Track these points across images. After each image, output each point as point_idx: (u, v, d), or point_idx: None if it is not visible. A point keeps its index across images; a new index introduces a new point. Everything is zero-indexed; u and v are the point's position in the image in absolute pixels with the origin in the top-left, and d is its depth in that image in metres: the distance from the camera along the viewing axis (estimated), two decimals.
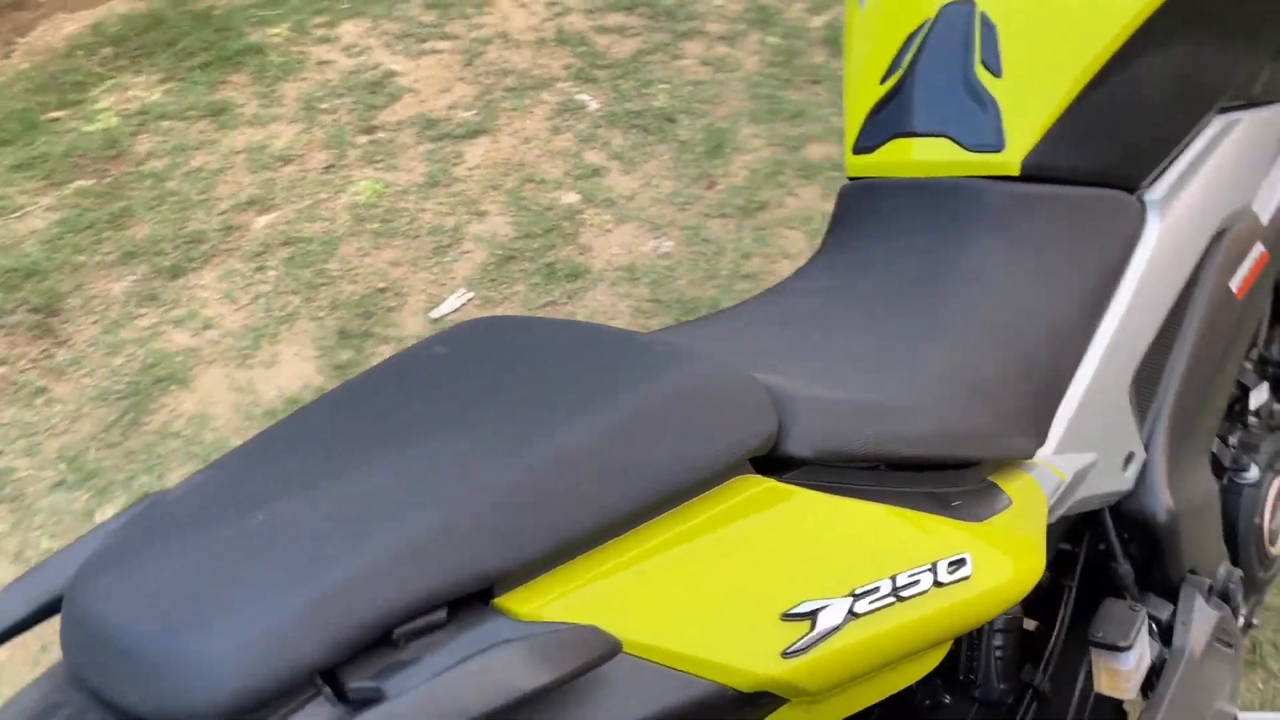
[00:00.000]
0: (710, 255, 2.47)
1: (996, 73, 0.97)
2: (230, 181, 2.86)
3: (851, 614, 0.63)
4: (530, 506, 0.59)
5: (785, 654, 0.61)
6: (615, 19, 3.42)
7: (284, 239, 2.66)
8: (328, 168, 2.90)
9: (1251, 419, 1.25)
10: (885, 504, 0.69)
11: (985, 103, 0.97)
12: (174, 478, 2.08)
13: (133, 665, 0.54)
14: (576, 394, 0.64)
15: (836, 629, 0.62)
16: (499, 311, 2.41)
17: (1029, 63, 0.96)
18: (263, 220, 2.74)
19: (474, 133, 2.97)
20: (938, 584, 0.67)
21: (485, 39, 3.38)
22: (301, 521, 0.58)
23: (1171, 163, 1.03)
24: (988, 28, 0.98)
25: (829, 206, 2.61)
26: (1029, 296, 0.92)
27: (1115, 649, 0.95)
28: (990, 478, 0.82)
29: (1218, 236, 1.08)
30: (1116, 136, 0.98)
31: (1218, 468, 1.18)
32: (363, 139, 2.99)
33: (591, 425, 0.62)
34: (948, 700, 1.03)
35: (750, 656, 0.60)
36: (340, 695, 0.54)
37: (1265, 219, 1.13)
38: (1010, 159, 0.96)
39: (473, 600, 0.57)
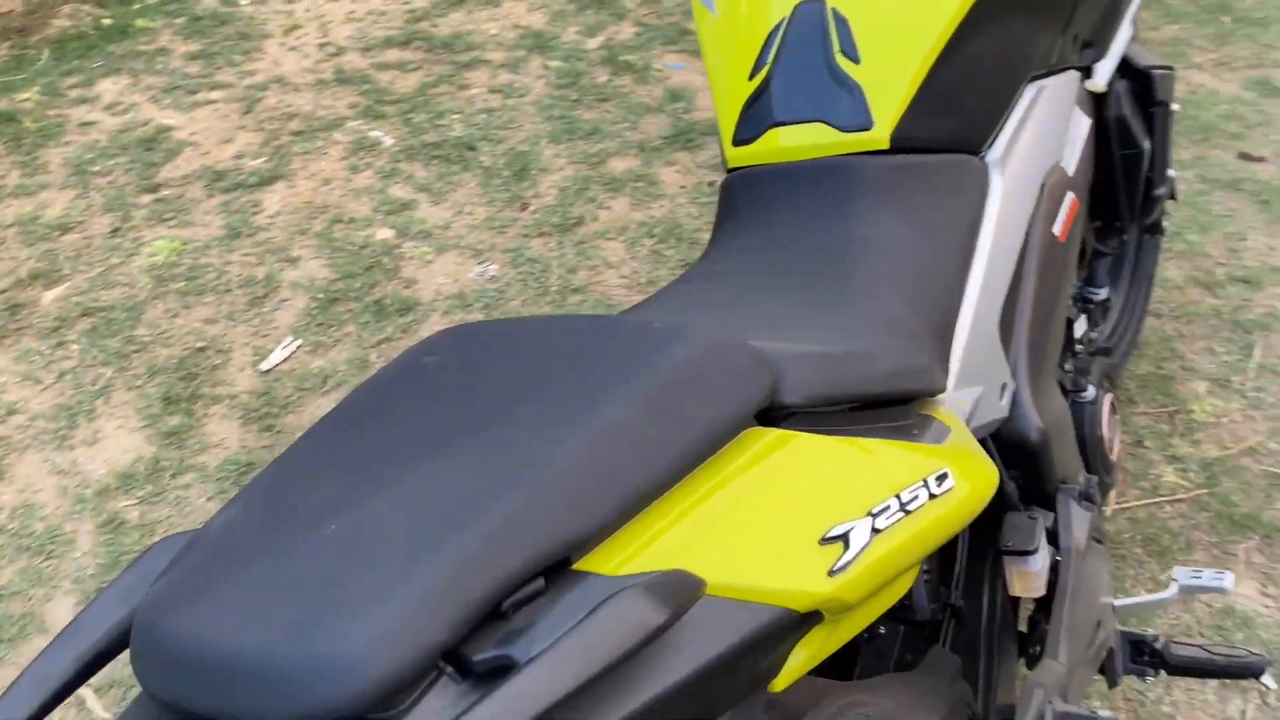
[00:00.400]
0: (537, 274, 2.52)
1: (856, 60, 1.09)
2: (5, 258, 2.66)
3: (874, 530, 0.71)
4: (590, 478, 0.63)
5: (830, 573, 0.68)
6: (393, 54, 3.42)
7: (81, 310, 2.50)
8: (113, 231, 2.74)
9: (1078, 346, 1.45)
10: (871, 438, 0.78)
11: (850, 88, 1.09)
12: (9, 573, 1.92)
13: (260, 679, 0.54)
14: (602, 377, 0.69)
15: (866, 546, 0.70)
16: (332, 354, 2.36)
17: (882, 49, 1.09)
18: (51, 294, 2.56)
19: (268, 180, 2.89)
20: (932, 496, 0.76)
21: (260, 85, 3.29)
22: (385, 522, 0.60)
23: (1001, 127, 1.18)
24: (840, 21, 1.10)
25: (640, 216, 2.72)
26: (916, 253, 1.04)
27: (1024, 554, 1.08)
28: (922, 411, 0.92)
29: (1040, 189, 1.24)
30: (960, 108, 1.12)
31: (1063, 391, 1.35)
32: (147, 198, 2.85)
33: (625, 402, 0.67)
34: (882, 630, 1.13)
35: (804, 579, 0.67)
36: (463, 672, 0.57)
37: (1070, 171, 1.31)
38: (879, 135, 1.08)
39: (556, 568, 0.61)
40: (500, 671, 0.56)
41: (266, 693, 0.55)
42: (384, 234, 2.69)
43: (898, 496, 0.73)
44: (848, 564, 0.68)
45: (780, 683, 0.74)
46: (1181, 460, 1.94)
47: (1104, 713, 0.98)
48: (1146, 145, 1.52)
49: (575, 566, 0.62)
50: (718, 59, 1.20)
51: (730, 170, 1.19)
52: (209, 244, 2.68)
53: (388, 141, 3.02)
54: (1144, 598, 1.32)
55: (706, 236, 2.62)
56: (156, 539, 1.65)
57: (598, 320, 0.79)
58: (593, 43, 3.42)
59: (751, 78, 1.14)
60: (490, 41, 3.45)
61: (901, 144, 1.08)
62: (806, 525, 0.69)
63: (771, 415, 0.75)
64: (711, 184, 2.75)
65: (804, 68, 1.12)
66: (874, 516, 0.71)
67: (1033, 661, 1.21)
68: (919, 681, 0.98)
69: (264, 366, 2.35)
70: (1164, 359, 2.12)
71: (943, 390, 0.98)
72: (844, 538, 0.69)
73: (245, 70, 3.37)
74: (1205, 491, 1.87)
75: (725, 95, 1.18)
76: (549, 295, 2.45)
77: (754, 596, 0.65)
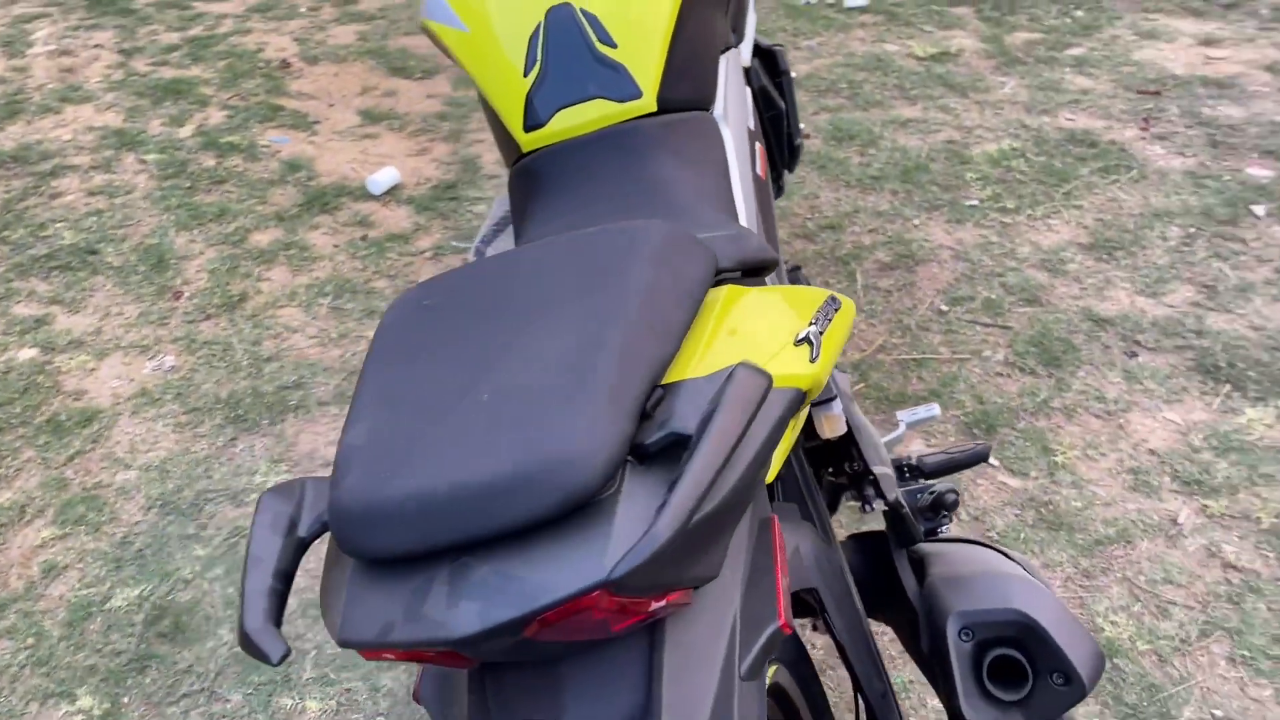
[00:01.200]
0: (220, 353, 2.47)
1: (613, 45, 1.32)
2: None
3: (819, 333, 0.94)
4: (655, 325, 0.80)
5: (810, 361, 0.90)
6: None
7: None
8: None
9: None
10: (781, 285, 1.01)
11: (615, 67, 1.31)
12: None
13: (500, 492, 0.66)
14: (611, 272, 0.85)
15: (819, 343, 0.93)
16: (19, 483, 2.15)
17: (631, 35, 1.33)
18: None
19: None
20: (835, 311, 1.00)
21: None
22: (528, 374, 0.74)
23: (714, 91, 1.47)
24: (590, 17, 1.32)
25: (304, 280, 2.75)
26: (701, 181, 1.29)
27: (828, 401, 1.37)
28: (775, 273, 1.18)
29: (747, 138, 1.56)
30: (694, 75, 1.39)
31: None
32: None
33: (656, 280, 0.84)
34: None
35: (801, 366, 0.88)
36: (640, 457, 0.72)
37: (752, 126, 1.64)
38: (648, 101, 1.32)
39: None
40: (673, 448, 0.72)
41: (511, 502, 0.66)
42: (26, 354, 2.47)
43: (821, 310, 0.97)
44: (816, 355, 0.91)
45: (771, 474, 0.95)
46: (838, 367, 2.39)
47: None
48: (783, 106, 1.92)
49: (662, 383, 0.79)
50: (483, 65, 1.37)
51: (524, 155, 1.36)
52: None
53: None
54: (888, 436, 1.67)
55: (381, 285, 2.70)
56: None
57: (573, 237, 0.94)
58: (184, 131, 3.34)
59: (527, 74, 1.32)
60: (68, 147, 3.25)
61: (664, 106, 1.33)
62: (782, 335, 0.90)
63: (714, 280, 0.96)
64: (364, 238, 2.84)
65: (572, 58, 1.32)
66: (813, 325, 0.94)
67: (840, 494, 1.50)
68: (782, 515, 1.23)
69: None
70: None
71: (778, 261, 1.24)
72: (807, 339, 0.91)
73: None
74: (863, 385, 2.33)
75: (504, 92, 1.34)
76: (241, 370, 2.41)
77: (781, 381, 0.85)
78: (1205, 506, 1.93)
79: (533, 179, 1.34)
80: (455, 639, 0.66)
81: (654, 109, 1.32)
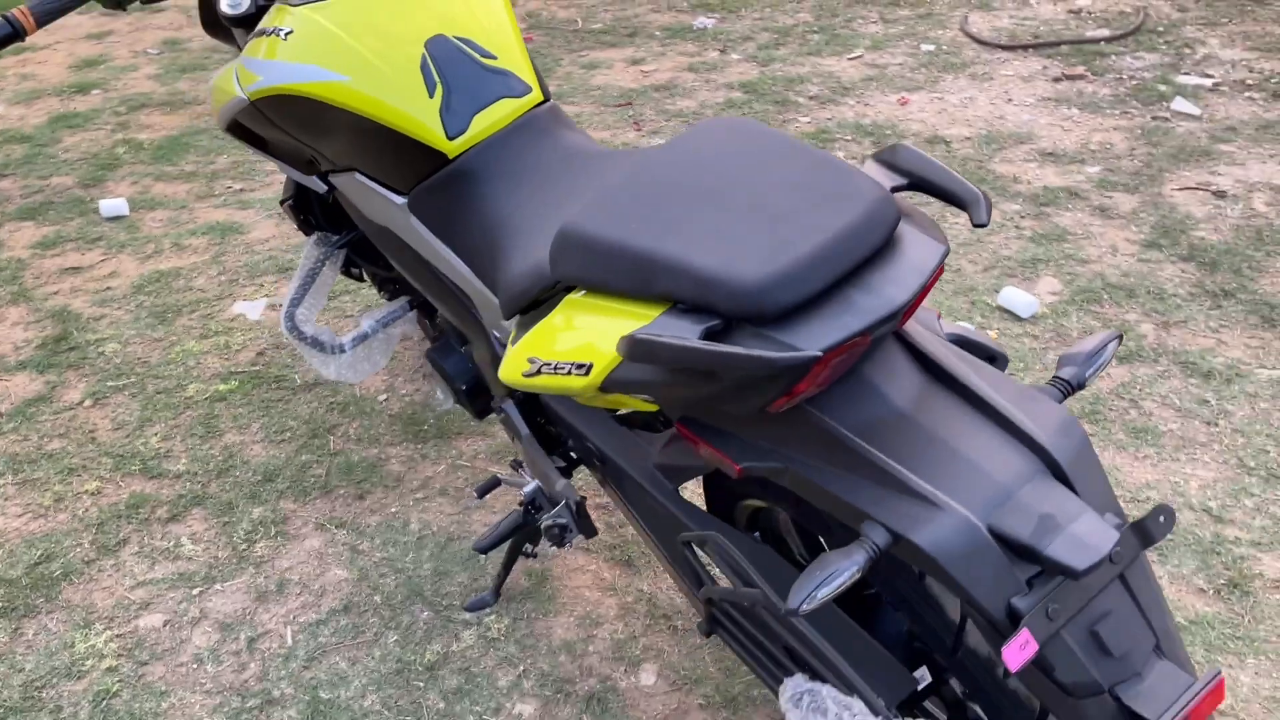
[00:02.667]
0: None
1: (493, 57, 1.58)
2: None
3: None
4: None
5: None
6: None
7: None
8: None
9: None
10: None
11: (503, 73, 1.58)
12: None
13: (859, 236, 1.00)
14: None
15: None
16: None
17: (501, 46, 1.59)
18: None
19: None
20: None
21: None
22: (791, 181, 1.06)
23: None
24: (463, 40, 1.57)
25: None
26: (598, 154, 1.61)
27: None
28: None
29: None
30: (539, 69, 1.69)
31: None
32: None
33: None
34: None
35: None
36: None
37: None
38: (537, 94, 1.61)
39: None
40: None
41: (868, 236, 0.98)
42: None
43: None
44: None
45: None
46: None
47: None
48: None
49: None
50: (378, 100, 1.49)
51: (452, 159, 1.55)
52: None
53: None
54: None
55: None
56: None
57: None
58: None
59: (431, 95, 1.52)
60: None
61: (545, 97, 1.63)
62: None
63: None
64: None
65: (468, 73, 1.55)
66: None
67: None
68: None
69: None
70: None
71: None
72: None
73: None
74: None
75: (412, 115, 1.50)
76: None
77: None
78: None
79: (469, 174, 1.54)
80: (898, 305, 0.96)
81: (541, 99, 1.63)
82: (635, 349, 0.99)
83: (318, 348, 2.03)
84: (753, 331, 0.97)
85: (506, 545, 1.81)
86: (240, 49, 1.98)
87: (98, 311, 3.01)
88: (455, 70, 1.55)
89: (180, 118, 4.38)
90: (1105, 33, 4.31)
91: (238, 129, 1.82)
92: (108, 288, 3.14)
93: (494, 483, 1.89)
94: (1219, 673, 0.99)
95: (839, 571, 0.92)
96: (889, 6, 4.92)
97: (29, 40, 1.42)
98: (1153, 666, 0.98)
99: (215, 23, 2.01)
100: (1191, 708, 0.94)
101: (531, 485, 1.74)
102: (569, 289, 1.20)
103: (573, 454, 1.69)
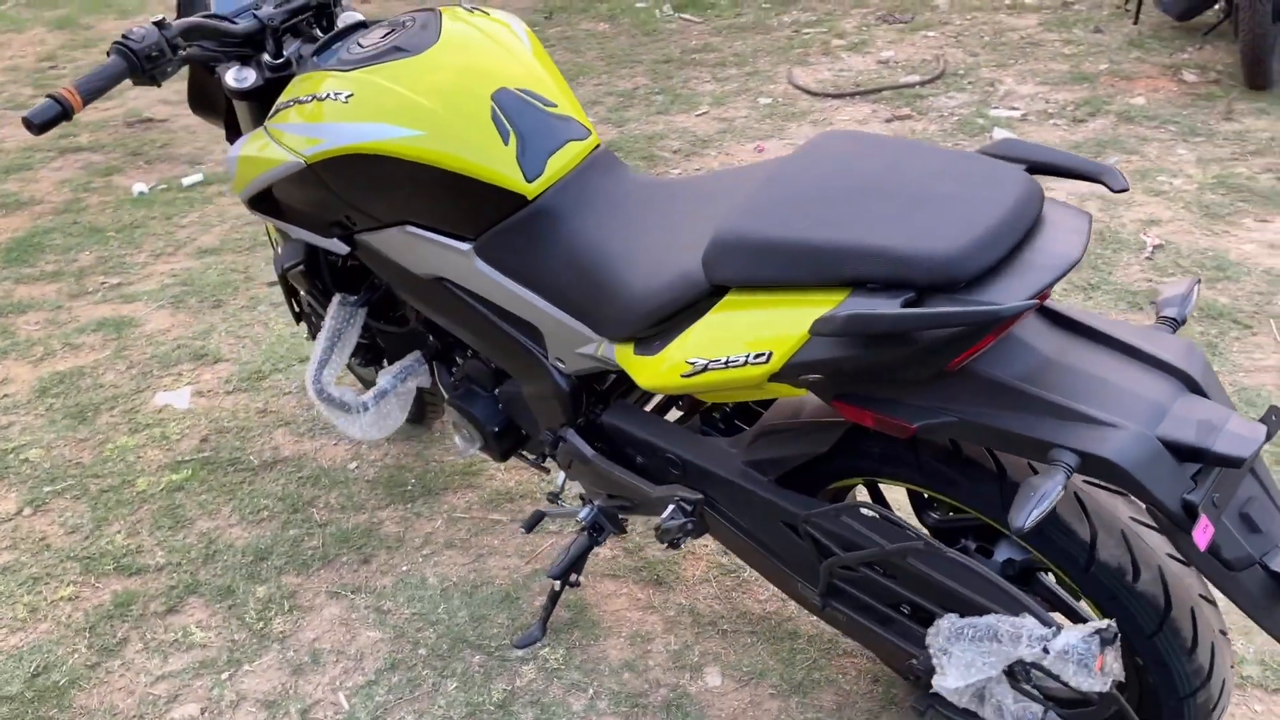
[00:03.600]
0: None
1: (554, 105, 1.68)
2: None
3: None
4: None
5: None
6: None
7: None
8: None
9: None
10: None
11: (566, 119, 1.67)
12: None
13: (1021, 216, 1.20)
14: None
15: None
16: None
17: (557, 95, 1.68)
18: None
19: None
20: None
21: None
22: (931, 188, 1.26)
23: None
24: (525, 92, 1.66)
25: None
26: (667, 184, 1.74)
27: None
28: None
29: None
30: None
31: None
32: None
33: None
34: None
35: None
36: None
37: None
38: (594, 138, 1.72)
39: None
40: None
41: (1026, 215, 1.19)
42: None
43: None
44: None
45: None
46: None
47: None
48: None
49: None
50: (454, 152, 1.57)
51: (531, 200, 1.61)
52: None
53: None
54: None
55: None
56: None
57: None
58: None
59: (507, 143, 1.60)
60: None
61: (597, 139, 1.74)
62: None
63: None
64: None
65: (537, 121, 1.62)
66: None
67: None
68: None
69: None
70: None
71: None
72: None
73: None
74: None
75: (490, 162, 1.56)
76: None
77: None
78: None
79: (550, 212, 1.63)
80: (1074, 259, 1.15)
81: (598, 143, 1.75)
82: (851, 324, 1.14)
83: (343, 409, 2.04)
84: (948, 298, 1.14)
85: (554, 580, 1.87)
86: (232, 125, 1.99)
87: (3, 420, 2.83)
88: (525, 118, 1.64)
89: (20, 218, 4.16)
90: (916, 78, 4.82)
91: (261, 199, 1.84)
92: (5, 395, 2.95)
93: (539, 516, 1.95)
94: None
95: (1049, 491, 1.09)
96: (717, 67, 5.30)
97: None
98: None
99: (204, 104, 2.02)
100: None
101: (586, 510, 1.83)
102: (717, 294, 1.33)
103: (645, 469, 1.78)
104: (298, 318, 2.43)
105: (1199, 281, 1.39)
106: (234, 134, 2.01)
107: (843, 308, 1.18)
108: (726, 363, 1.30)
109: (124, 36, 1.59)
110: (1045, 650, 1.23)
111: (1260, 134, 3.96)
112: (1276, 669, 1.82)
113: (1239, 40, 4.25)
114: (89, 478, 2.58)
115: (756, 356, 1.27)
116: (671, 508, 1.61)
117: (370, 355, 2.24)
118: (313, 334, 2.51)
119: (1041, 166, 1.31)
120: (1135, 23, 5.21)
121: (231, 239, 3.87)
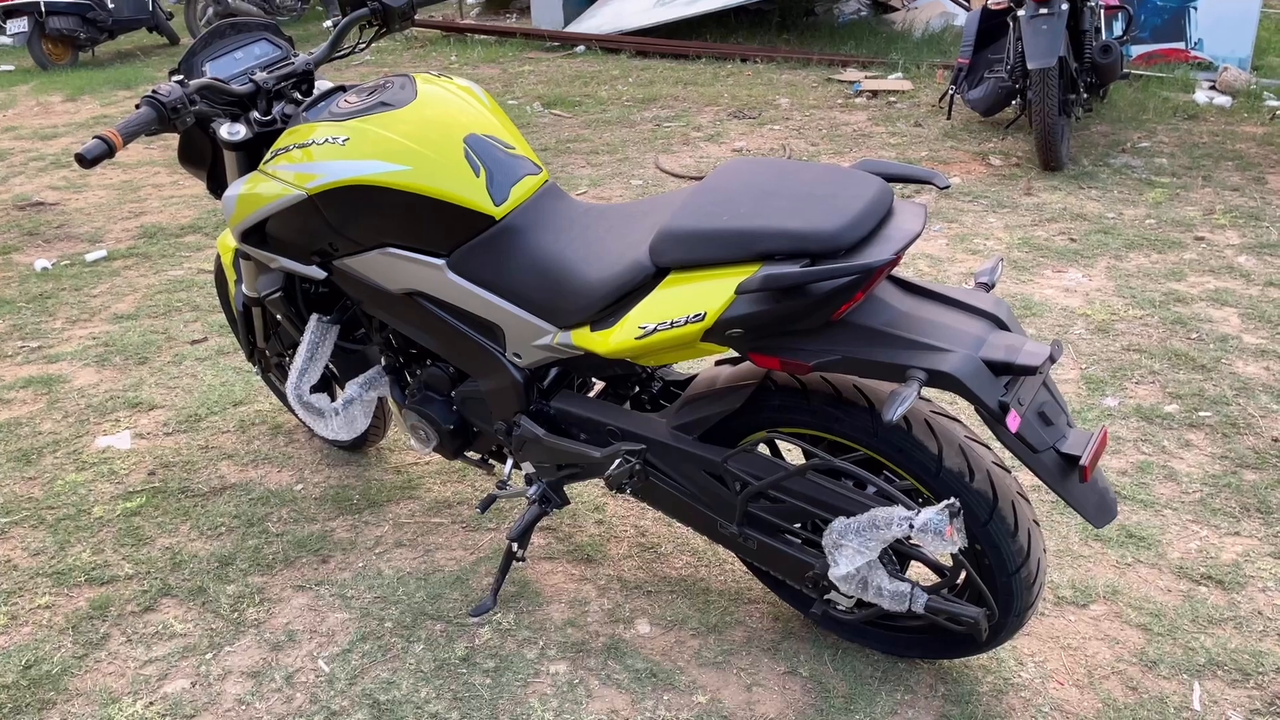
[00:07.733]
0: None
1: (512, 148, 2.09)
2: None
3: None
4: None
5: None
6: None
7: None
8: None
9: None
10: None
11: (522, 159, 2.08)
12: None
13: (873, 211, 1.68)
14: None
15: None
16: None
17: (513, 139, 2.11)
18: None
19: None
20: None
21: None
22: (817, 186, 1.74)
23: None
24: (489, 138, 2.05)
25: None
26: (607, 207, 2.17)
27: None
28: None
29: None
30: None
31: None
32: None
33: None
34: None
35: None
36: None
37: None
38: (545, 174, 2.13)
39: None
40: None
41: (879, 209, 1.67)
42: None
43: None
44: None
45: None
46: None
47: None
48: None
49: None
50: (438, 183, 1.93)
51: (497, 220, 1.98)
52: None
53: None
54: None
55: None
56: None
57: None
58: None
59: (478, 176, 1.99)
60: None
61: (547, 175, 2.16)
62: None
63: None
64: None
65: (500, 159, 2.01)
66: None
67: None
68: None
69: None
70: None
71: None
72: None
73: None
74: None
75: (466, 190, 1.92)
76: None
77: None
78: None
79: (514, 230, 2.02)
80: (916, 233, 1.62)
81: (548, 178, 2.17)
82: (767, 281, 1.58)
83: (319, 414, 2.35)
84: (834, 261, 1.61)
85: (500, 556, 2.22)
86: (214, 176, 2.33)
87: None
88: (490, 157, 2.04)
89: None
90: None
91: (251, 233, 2.18)
92: None
93: (491, 499, 2.31)
94: (1104, 428, 1.72)
95: (908, 395, 1.54)
96: (591, 155, 5.83)
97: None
98: (1068, 431, 1.69)
99: (191, 157, 2.35)
100: (1094, 448, 1.65)
101: (534, 488, 2.20)
102: (660, 275, 1.76)
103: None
104: (250, 354, 2.73)
105: (1002, 260, 1.90)
106: (214, 183, 2.35)
107: (759, 273, 1.62)
108: (671, 324, 1.72)
109: (153, 91, 1.93)
110: (911, 526, 1.67)
111: (1054, 205, 4.73)
112: (1083, 590, 2.32)
113: (1034, 131, 5.05)
114: (44, 509, 2.77)
115: (694, 317, 1.69)
116: (619, 460, 2.00)
117: (321, 384, 2.56)
118: (264, 372, 2.81)
119: (889, 175, 1.81)
120: (948, 118, 6.04)
121: (146, 305, 4.09)
